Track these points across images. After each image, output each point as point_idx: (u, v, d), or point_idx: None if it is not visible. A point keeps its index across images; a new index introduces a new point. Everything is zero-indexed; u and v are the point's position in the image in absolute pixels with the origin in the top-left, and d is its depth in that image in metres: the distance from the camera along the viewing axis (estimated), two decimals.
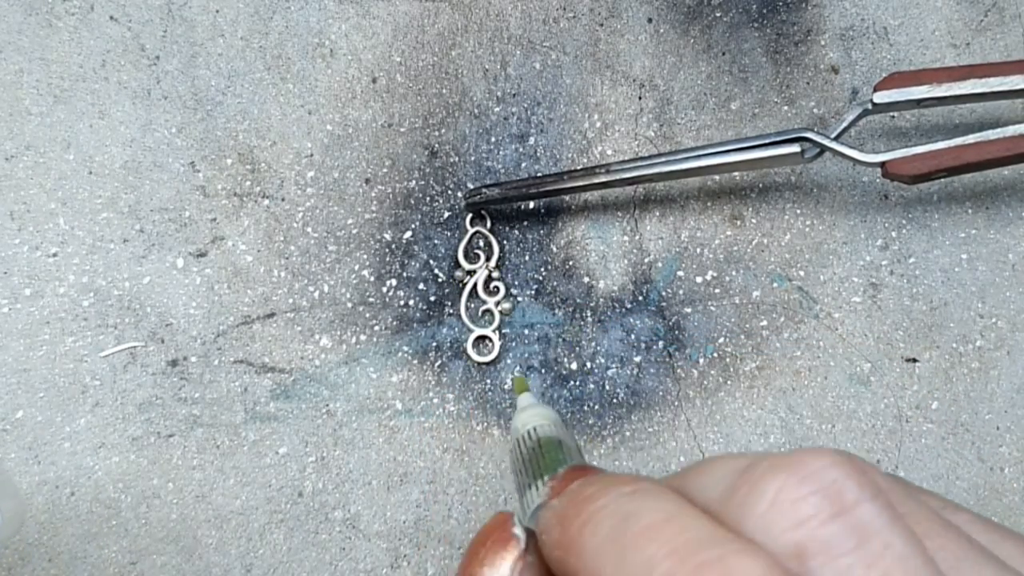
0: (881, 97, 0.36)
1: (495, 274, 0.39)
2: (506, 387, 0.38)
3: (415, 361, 0.38)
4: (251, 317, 0.38)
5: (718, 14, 0.41)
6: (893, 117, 0.40)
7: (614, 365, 0.38)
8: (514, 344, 0.38)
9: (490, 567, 0.19)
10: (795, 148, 0.36)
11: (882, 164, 0.36)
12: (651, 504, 0.16)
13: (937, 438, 0.38)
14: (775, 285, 0.39)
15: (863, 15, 0.41)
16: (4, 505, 0.30)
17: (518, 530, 0.19)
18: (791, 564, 0.15)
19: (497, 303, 0.38)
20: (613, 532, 0.16)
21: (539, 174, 0.39)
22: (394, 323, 0.38)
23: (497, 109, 0.40)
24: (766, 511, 0.15)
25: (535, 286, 0.39)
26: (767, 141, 0.36)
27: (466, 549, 0.20)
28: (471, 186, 0.39)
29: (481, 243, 0.39)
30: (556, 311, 0.39)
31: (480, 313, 0.38)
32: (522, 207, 0.39)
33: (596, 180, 0.37)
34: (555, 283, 0.39)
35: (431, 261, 0.39)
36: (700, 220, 0.39)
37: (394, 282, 0.39)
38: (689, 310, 0.39)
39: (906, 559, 0.15)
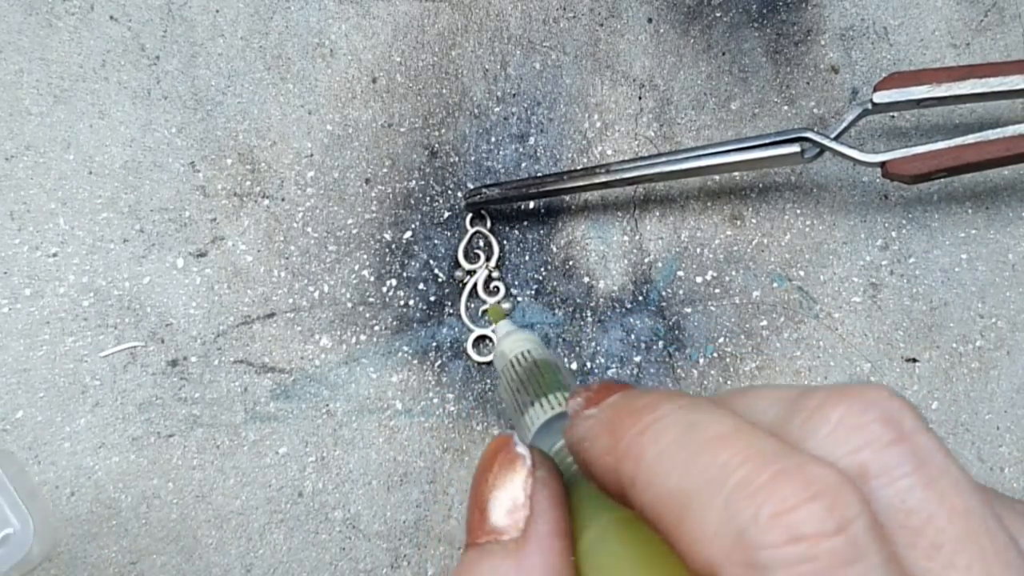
0: (881, 97, 0.36)
1: (495, 274, 0.39)
2: None
3: (415, 361, 0.38)
4: (251, 317, 0.38)
5: (718, 14, 0.41)
6: (893, 117, 0.40)
7: (614, 365, 0.38)
8: None
9: (501, 489, 0.19)
10: (795, 148, 0.36)
11: (882, 164, 0.36)
12: (715, 416, 0.16)
13: None
14: (775, 285, 0.39)
15: (863, 15, 0.41)
16: (40, 524, 0.30)
17: (521, 448, 0.19)
18: None
19: (497, 303, 0.38)
20: (680, 439, 0.16)
21: (539, 174, 0.39)
22: (394, 323, 0.38)
23: (497, 109, 0.40)
24: (829, 434, 0.16)
25: (535, 286, 0.39)
26: (767, 141, 0.36)
27: (473, 477, 0.19)
28: (471, 186, 0.39)
29: (481, 243, 0.39)
30: (556, 311, 0.39)
31: (480, 313, 0.38)
32: (522, 207, 0.39)
33: (596, 180, 0.37)
34: (555, 283, 0.39)
35: (431, 261, 0.39)
36: (700, 220, 0.39)
37: (394, 282, 0.39)
38: (689, 310, 0.39)
39: (960, 483, 0.16)
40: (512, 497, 0.18)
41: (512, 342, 0.26)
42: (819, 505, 0.14)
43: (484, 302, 0.38)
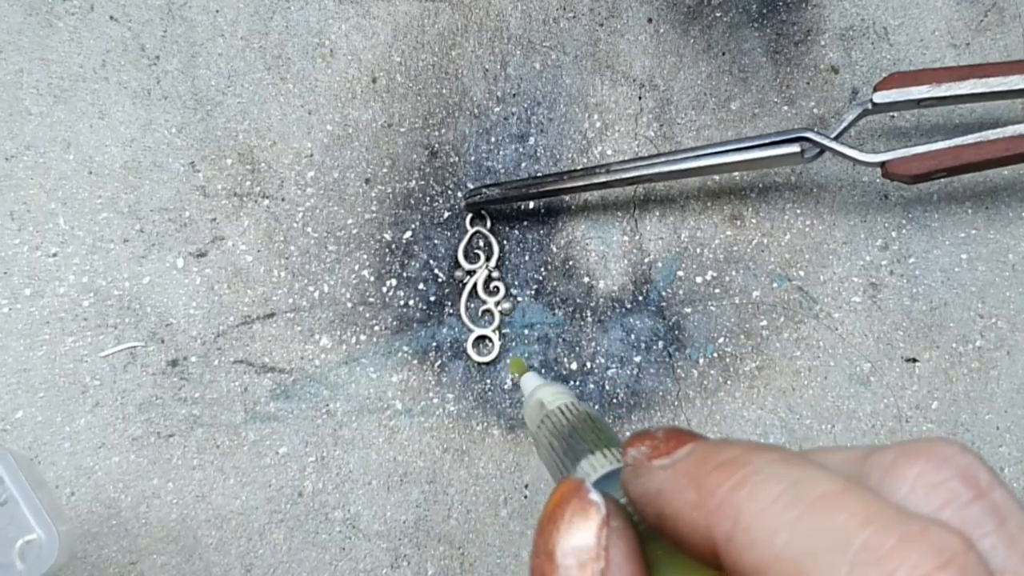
0: (881, 97, 0.36)
1: (495, 274, 0.39)
2: (506, 387, 0.38)
3: (415, 361, 0.38)
4: (251, 317, 0.38)
5: (718, 14, 0.41)
6: (893, 117, 0.40)
7: (614, 365, 0.38)
8: (514, 344, 0.38)
9: (573, 538, 0.17)
10: (795, 148, 0.36)
11: (882, 164, 0.36)
12: (820, 473, 0.15)
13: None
14: (775, 285, 0.39)
15: (863, 15, 0.41)
16: (60, 529, 0.30)
17: (595, 496, 0.18)
18: None
19: (497, 303, 0.38)
20: (785, 495, 0.15)
21: (539, 174, 0.39)
22: (394, 323, 0.38)
23: (497, 109, 0.40)
24: (907, 494, 0.15)
25: (535, 286, 0.39)
26: (767, 141, 0.36)
27: (539, 522, 0.18)
28: (471, 186, 0.39)
29: (481, 243, 0.39)
30: (556, 311, 0.39)
31: (480, 313, 0.38)
32: (522, 207, 0.39)
33: (596, 180, 0.37)
34: (555, 283, 0.39)
35: (431, 261, 0.39)
36: (700, 220, 0.39)
37: (394, 282, 0.39)
38: (689, 310, 0.39)
39: None
40: (586, 548, 0.17)
41: (553, 393, 0.25)
42: (951, 573, 0.14)
43: (484, 302, 0.38)
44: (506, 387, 0.38)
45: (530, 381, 0.27)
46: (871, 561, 0.14)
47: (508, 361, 0.38)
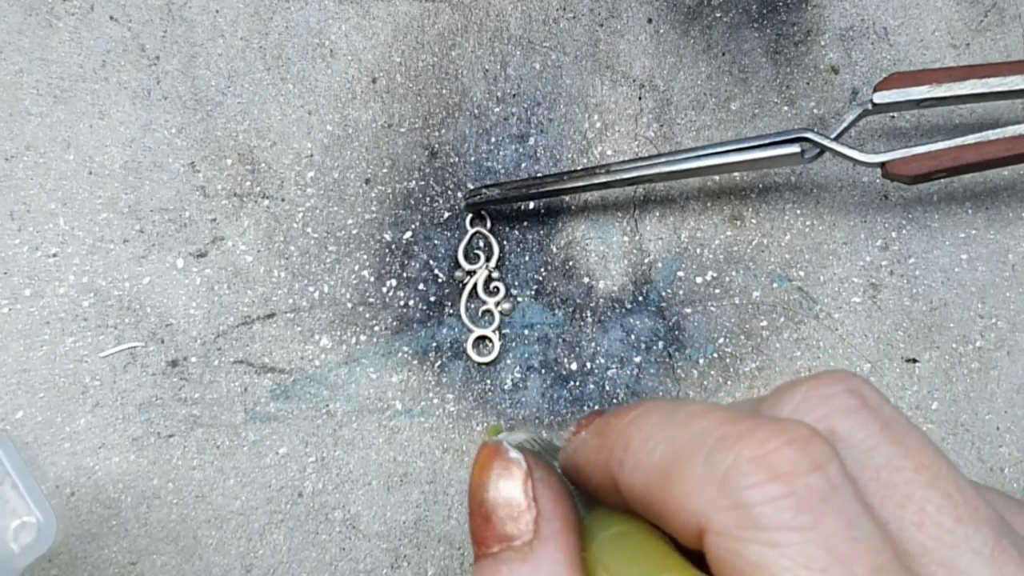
0: (881, 97, 0.36)
1: (495, 274, 0.39)
2: (506, 387, 0.38)
3: (415, 361, 0.38)
4: (251, 317, 0.38)
5: (718, 14, 0.41)
6: (893, 117, 0.40)
7: (614, 365, 0.38)
8: (514, 344, 0.38)
9: (502, 495, 0.19)
10: (795, 148, 0.36)
11: (882, 164, 0.36)
12: (694, 403, 0.17)
13: (937, 438, 0.38)
14: (775, 285, 0.39)
15: (863, 15, 0.41)
16: (45, 518, 0.30)
17: (514, 453, 0.19)
18: None
19: (497, 303, 0.38)
20: (662, 419, 0.17)
21: (539, 174, 0.39)
22: (394, 323, 0.38)
23: (497, 109, 0.40)
24: (797, 405, 0.17)
25: (535, 286, 0.39)
26: (767, 141, 0.36)
27: (469, 486, 0.19)
28: (471, 186, 0.39)
29: (481, 243, 0.39)
30: (556, 311, 0.39)
31: (480, 313, 0.38)
32: (522, 207, 0.39)
33: (596, 180, 0.37)
34: (555, 283, 0.39)
35: (431, 261, 0.39)
36: (700, 220, 0.39)
37: (394, 282, 0.39)
38: (689, 310, 0.39)
39: (923, 441, 0.17)
40: (516, 501, 0.18)
41: (519, 437, 0.26)
42: (794, 448, 0.15)
43: (484, 302, 0.38)
44: (506, 387, 0.38)
45: (500, 438, 0.28)
46: (724, 447, 0.15)
47: (487, 426, 0.38)
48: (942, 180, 0.38)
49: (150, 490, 0.37)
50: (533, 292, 0.39)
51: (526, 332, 0.38)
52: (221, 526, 0.37)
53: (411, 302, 0.38)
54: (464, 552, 0.37)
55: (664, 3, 0.41)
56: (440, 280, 0.39)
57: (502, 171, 0.39)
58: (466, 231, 0.39)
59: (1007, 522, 0.16)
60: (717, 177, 0.39)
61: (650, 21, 0.40)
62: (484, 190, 0.38)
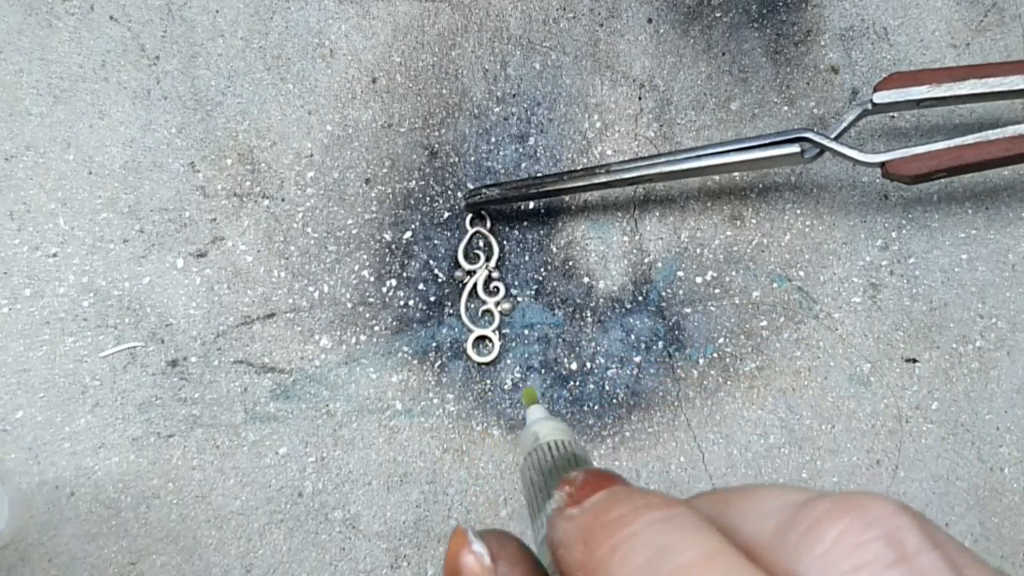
0: (881, 97, 0.36)
1: (495, 274, 0.39)
2: (506, 387, 0.38)
3: (415, 361, 0.38)
4: (251, 317, 0.38)
5: (718, 14, 0.41)
6: (893, 117, 0.40)
7: (614, 365, 0.38)
8: (514, 344, 0.38)
9: None
10: (795, 148, 0.36)
11: (882, 164, 0.36)
12: (689, 538, 0.16)
13: (937, 438, 0.38)
14: (775, 285, 0.39)
15: (863, 15, 0.41)
16: (12, 505, 0.29)
17: (478, 547, 0.19)
18: None
19: (497, 303, 0.38)
20: (647, 566, 0.15)
21: (539, 174, 0.39)
22: (394, 323, 0.38)
23: (497, 109, 0.40)
24: (827, 551, 0.15)
25: (535, 286, 0.39)
26: (767, 141, 0.36)
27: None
28: (471, 186, 0.39)
29: (481, 243, 0.39)
30: (556, 311, 0.39)
31: (480, 313, 0.38)
32: (522, 207, 0.39)
33: (596, 180, 0.37)
34: (555, 283, 0.39)
35: (431, 261, 0.39)
36: (700, 220, 0.39)
37: (394, 282, 0.39)
38: (689, 310, 0.39)
39: None
40: None
41: (550, 428, 0.26)
42: None
43: (484, 302, 0.38)
44: (506, 387, 0.38)
45: (533, 413, 0.27)
46: None
47: (523, 387, 0.38)
48: (942, 180, 0.38)
49: (150, 490, 0.37)
50: (533, 292, 0.39)
51: (526, 332, 0.38)
52: (221, 526, 0.37)
53: (411, 302, 0.38)
54: None
55: (664, 3, 0.41)
56: (440, 280, 0.39)
57: (502, 171, 0.39)
58: (466, 231, 0.39)
59: None
60: (717, 177, 0.39)
61: (650, 21, 0.40)
62: (484, 190, 0.38)
